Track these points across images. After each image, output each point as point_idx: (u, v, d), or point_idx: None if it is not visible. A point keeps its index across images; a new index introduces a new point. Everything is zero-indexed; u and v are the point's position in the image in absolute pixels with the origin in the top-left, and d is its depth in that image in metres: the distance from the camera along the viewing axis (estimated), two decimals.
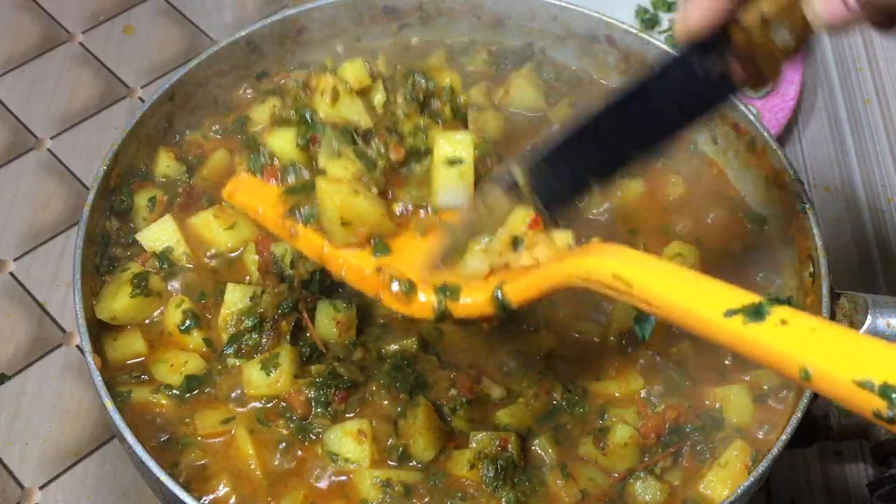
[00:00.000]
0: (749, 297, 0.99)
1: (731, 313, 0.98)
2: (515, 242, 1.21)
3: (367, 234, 1.26)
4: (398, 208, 1.29)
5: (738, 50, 1.15)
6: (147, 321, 1.49)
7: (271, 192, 1.30)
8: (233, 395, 1.42)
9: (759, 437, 1.42)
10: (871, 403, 0.88)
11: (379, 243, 1.26)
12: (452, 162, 1.28)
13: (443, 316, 1.23)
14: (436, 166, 1.28)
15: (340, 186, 1.24)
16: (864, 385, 0.88)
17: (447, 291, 1.22)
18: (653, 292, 1.06)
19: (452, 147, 1.28)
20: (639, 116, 1.21)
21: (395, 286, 1.23)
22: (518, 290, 1.19)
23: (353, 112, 1.34)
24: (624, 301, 1.09)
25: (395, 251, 1.26)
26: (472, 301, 1.22)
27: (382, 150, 1.29)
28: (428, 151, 1.30)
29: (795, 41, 1.13)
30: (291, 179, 1.31)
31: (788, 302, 0.98)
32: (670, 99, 1.20)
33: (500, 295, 1.19)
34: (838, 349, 0.92)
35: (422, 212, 1.30)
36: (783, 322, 0.95)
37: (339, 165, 1.27)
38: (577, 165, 1.24)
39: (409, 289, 1.23)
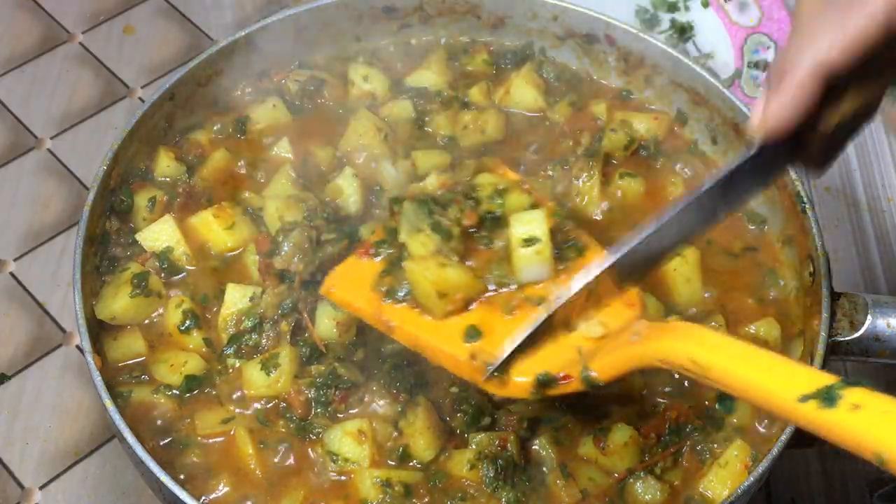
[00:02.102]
0: (822, 379, 0.99)
1: (805, 399, 0.98)
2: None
3: (463, 300, 1.30)
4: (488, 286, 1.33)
5: (809, 140, 1.14)
6: (147, 321, 1.49)
7: (365, 281, 1.34)
8: (233, 395, 1.42)
9: (759, 437, 1.42)
10: None
11: (471, 329, 1.29)
12: (529, 241, 1.31)
13: (540, 397, 1.25)
14: (513, 247, 1.32)
15: (427, 263, 1.29)
16: None
17: (541, 375, 1.24)
18: (729, 377, 1.07)
19: (526, 227, 1.32)
20: (710, 203, 1.23)
21: (489, 371, 1.25)
22: (604, 370, 1.22)
23: (429, 184, 1.42)
24: (702, 382, 1.11)
25: (486, 334, 1.28)
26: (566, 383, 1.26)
27: (456, 217, 1.33)
28: (505, 217, 1.35)
29: (859, 131, 1.13)
30: (383, 252, 1.36)
31: (860, 383, 0.98)
32: (739, 186, 1.22)
33: (588, 375, 1.22)
34: None
35: (505, 289, 1.32)
36: (855, 407, 0.95)
37: (419, 242, 1.31)
38: (655, 247, 1.25)
39: (503, 373, 1.25)
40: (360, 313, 1.35)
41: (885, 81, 1.12)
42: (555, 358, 1.26)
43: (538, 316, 1.26)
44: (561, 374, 1.24)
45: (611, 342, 1.24)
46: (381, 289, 1.33)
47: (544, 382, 1.24)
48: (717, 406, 1.38)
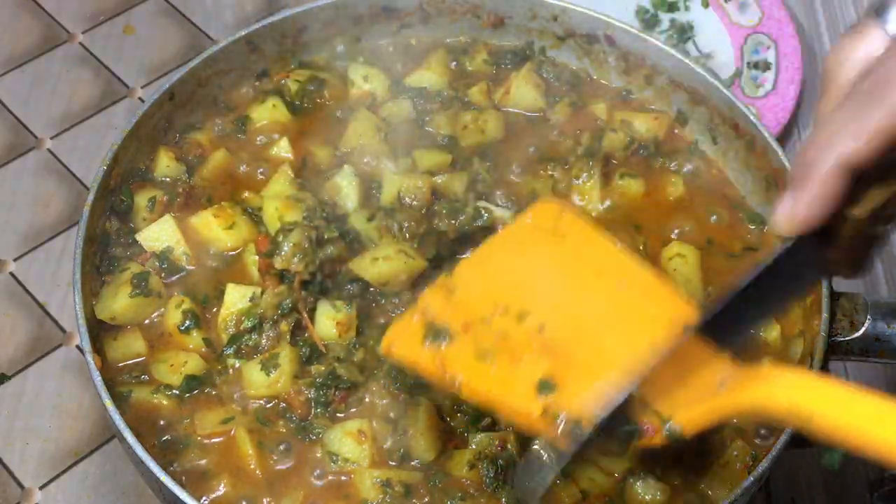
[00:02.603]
0: None
1: None
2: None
3: None
4: None
5: (835, 240, 1.12)
6: (147, 321, 1.49)
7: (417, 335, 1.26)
8: (233, 395, 1.42)
9: (759, 437, 1.42)
10: None
11: (543, 383, 1.20)
12: None
13: (622, 452, 1.22)
14: None
15: None
16: None
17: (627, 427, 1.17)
18: (838, 427, 0.98)
19: None
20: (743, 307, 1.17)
21: (561, 426, 1.16)
22: (691, 423, 1.14)
23: None
24: (804, 432, 1.02)
25: (560, 387, 1.19)
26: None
27: None
28: None
29: (888, 229, 1.11)
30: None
31: None
32: (771, 291, 1.18)
33: (673, 429, 1.14)
34: None
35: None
36: None
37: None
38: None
39: (577, 426, 1.16)
40: (423, 371, 1.25)
41: None
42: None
43: (628, 380, 1.16)
44: (645, 426, 1.15)
45: (692, 392, 1.15)
46: (428, 339, 1.24)
47: (630, 434, 1.15)
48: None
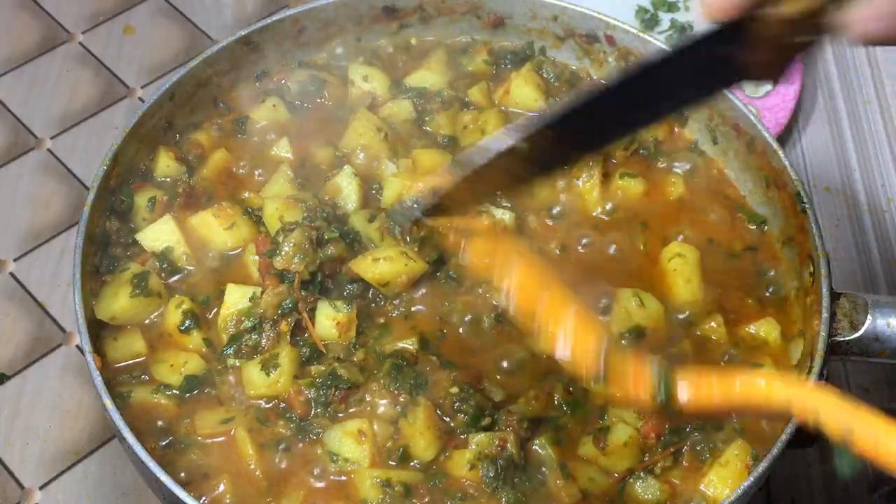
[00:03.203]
0: None
1: None
2: None
3: None
4: None
5: (752, 41, 1.14)
6: (147, 321, 1.49)
7: None
8: (233, 395, 1.42)
9: (759, 436, 1.42)
10: None
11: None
12: None
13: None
14: None
15: None
16: None
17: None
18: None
19: None
20: (646, 92, 1.20)
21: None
22: (688, 389, 1.15)
23: None
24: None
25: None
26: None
27: None
28: None
29: (811, 41, 1.12)
30: None
31: None
32: (678, 79, 1.20)
33: (666, 384, 1.15)
34: None
35: None
36: None
37: None
38: (578, 133, 1.23)
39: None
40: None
41: None
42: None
43: None
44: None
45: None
46: None
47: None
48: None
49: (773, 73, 1.18)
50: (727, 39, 1.14)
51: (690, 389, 1.14)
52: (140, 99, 2.14)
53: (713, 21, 1.13)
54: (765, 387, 1.11)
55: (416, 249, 1.51)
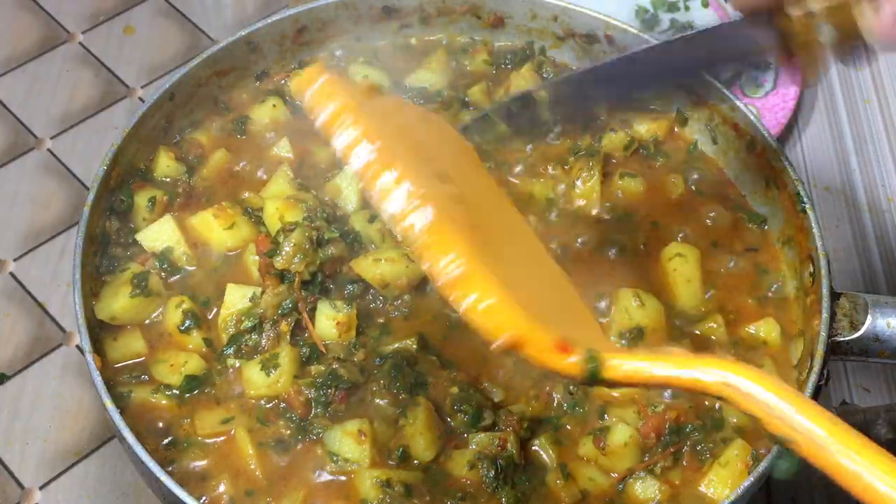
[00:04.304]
0: None
1: None
2: None
3: None
4: None
5: (781, 36, 1.15)
6: (147, 321, 1.49)
7: None
8: (233, 395, 1.42)
9: (760, 436, 1.41)
10: None
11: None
12: None
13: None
14: None
15: None
16: None
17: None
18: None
19: None
20: (667, 63, 1.22)
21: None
22: (613, 363, 1.08)
23: None
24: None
25: None
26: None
27: None
28: None
29: (839, 43, 1.12)
30: None
31: None
32: (705, 55, 1.23)
33: (593, 360, 1.08)
34: None
35: None
36: None
37: None
38: (598, 93, 1.24)
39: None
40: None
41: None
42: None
43: None
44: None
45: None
46: None
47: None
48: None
49: (805, 73, 1.19)
50: (758, 28, 1.15)
51: (619, 359, 1.08)
52: (140, 99, 2.14)
53: (741, 11, 1.14)
54: (686, 360, 1.06)
55: None
